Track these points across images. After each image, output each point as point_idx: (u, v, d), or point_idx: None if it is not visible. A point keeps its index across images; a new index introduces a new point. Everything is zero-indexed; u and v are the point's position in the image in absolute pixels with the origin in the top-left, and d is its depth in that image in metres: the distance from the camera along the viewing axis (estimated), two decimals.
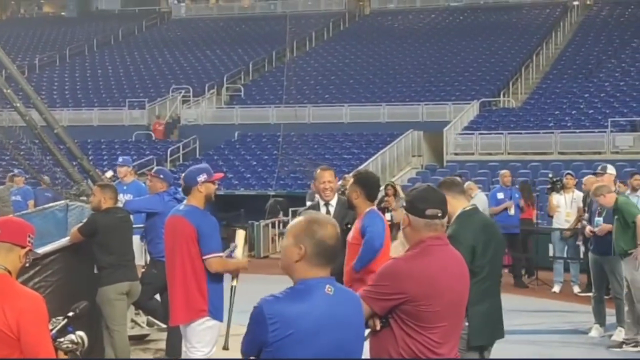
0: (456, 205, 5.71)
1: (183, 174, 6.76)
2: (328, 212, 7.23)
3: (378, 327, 3.99)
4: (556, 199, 14.52)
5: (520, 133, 25.49)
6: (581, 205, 13.72)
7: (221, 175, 6.95)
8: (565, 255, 14.61)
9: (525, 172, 23.02)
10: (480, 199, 14.99)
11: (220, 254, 6.33)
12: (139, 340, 9.60)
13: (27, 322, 3.68)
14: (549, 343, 10.51)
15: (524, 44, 34.85)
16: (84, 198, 10.19)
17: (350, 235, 6.43)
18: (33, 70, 37.99)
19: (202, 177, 6.44)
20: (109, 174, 12.59)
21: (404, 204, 4.23)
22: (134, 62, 38.82)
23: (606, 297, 10.91)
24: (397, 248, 5.21)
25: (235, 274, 6.41)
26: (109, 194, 7.94)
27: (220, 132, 29.19)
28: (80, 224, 8.05)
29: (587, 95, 28.34)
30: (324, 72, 34.57)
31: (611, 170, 11.56)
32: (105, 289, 7.76)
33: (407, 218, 4.13)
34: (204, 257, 6.25)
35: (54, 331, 3.90)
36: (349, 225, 6.67)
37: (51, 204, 11.16)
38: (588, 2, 40.57)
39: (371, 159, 24.44)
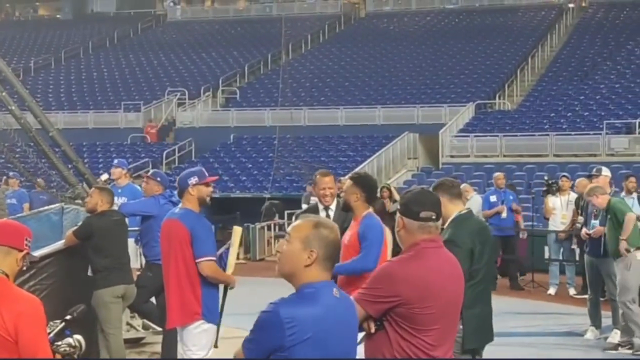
0: (452, 208, 5.72)
1: (178, 177, 6.76)
2: (328, 216, 7.19)
3: (372, 330, 3.99)
4: (552, 201, 14.53)
5: (516, 135, 25.52)
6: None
7: (214, 178, 6.91)
8: (560, 258, 14.62)
9: (520, 175, 23.07)
10: (475, 202, 15.02)
11: (214, 258, 6.32)
12: (135, 343, 9.59)
13: (25, 326, 3.67)
14: (545, 345, 10.52)
15: (520, 46, 34.89)
16: (79, 201, 10.19)
17: (346, 238, 6.40)
18: (28, 72, 37.97)
19: (193, 180, 6.43)
20: (104, 176, 12.56)
21: (399, 207, 4.23)
22: (130, 65, 38.79)
23: (602, 299, 10.92)
24: None
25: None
26: (106, 197, 7.93)
27: (215, 134, 29.19)
28: (76, 227, 8.03)
29: (583, 98, 28.38)
30: (319, 74, 34.59)
31: (606, 172, 11.58)
32: (101, 292, 7.74)
33: (401, 221, 4.13)
34: (196, 261, 6.25)
35: (51, 334, 3.90)
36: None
37: (46, 207, 11.14)
38: (583, 5, 40.65)
39: (367, 162, 24.45)
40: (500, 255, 14.78)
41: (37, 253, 7.25)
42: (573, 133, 25.02)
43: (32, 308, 3.74)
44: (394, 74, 33.46)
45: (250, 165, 26.76)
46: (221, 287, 6.39)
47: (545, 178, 15.94)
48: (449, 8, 41.53)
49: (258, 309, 3.40)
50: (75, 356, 3.95)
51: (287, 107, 28.23)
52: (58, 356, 3.88)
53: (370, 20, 42.08)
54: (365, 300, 3.96)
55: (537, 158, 24.36)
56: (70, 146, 11.77)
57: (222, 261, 6.47)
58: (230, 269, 6.44)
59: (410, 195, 4.21)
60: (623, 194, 12.67)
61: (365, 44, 37.45)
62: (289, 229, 3.54)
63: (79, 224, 8.13)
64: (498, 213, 15.06)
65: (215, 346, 6.28)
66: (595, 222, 10.42)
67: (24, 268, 3.97)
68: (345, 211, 6.57)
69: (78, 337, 3.97)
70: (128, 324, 9.58)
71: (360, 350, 4.05)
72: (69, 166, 11.35)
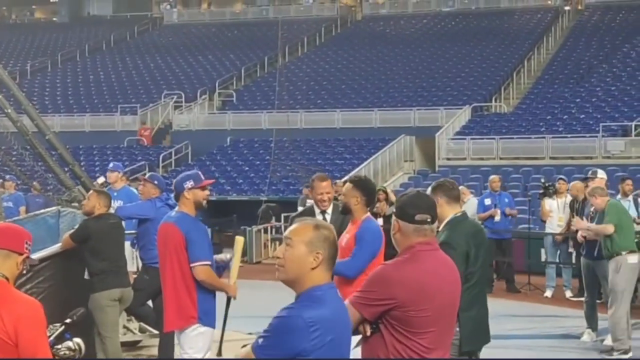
0: (449, 210, 5.73)
1: (174, 181, 6.76)
2: (325, 219, 7.20)
3: (368, 333, 3.99)
4: (548, 203, 14.54)
5: (512, 138, 25.54)
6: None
7: (210, 181, 6.90)
8: (557, 260, 14.64)
9: (517, 177, 23.09)
10: (472, 204, 15.04)
11: (208, 262, 6.30)
12: (131, 346, 9.57)
13: (25, 329, 3.67)
14: (541, 348, 10.53)
15: (516, 49, 34.94)
16: (76, 204, 10.17)
17: (343, 240, 6.40)
18: (25, 76, 37.95)
19: (188, 184, 6.43)
20: (101, 180, 12.56)
21: (394, 210, 4.24)
22: (126, 68, 38.78)
23: (598, 301, 10.93)
24: None
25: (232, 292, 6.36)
26: (103, 201, 7.93)
27: (212, 137, 29.19)
28: (72, 230, 8.03)
29: (579, 100, 28.42)
30: (316, 77, 34.61)
31: (602, 174, 11.59)
32: (97, 295, 7.74)
33: (397, 224, 4.14)
34: (190, 265, 6.24)
35: (51, 338, 3.91)
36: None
37: (43, 210, 11.13)
38: (579, 7, 40.72)
39: (363, 164, 24.46)
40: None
41: (34, 256, 7.26)
42: (569, 136, 25.04)
43: (33, 311, 3.74)
44: (390, 77, 33.49)
45: (247, 168, 26.76)
46: (224, 298, 6.36)
47: (542, 181, 15.95)
48: (445, 11, 41.57)
49: (256, 311, 3.40)
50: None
51: (284, 109, 28.21)
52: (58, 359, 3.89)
53: (366, 23, 42.12)
54: (361, 303, 3.96)
55: (533, 161, 24.39)
56: (66, 149, 11.75)
57: (220, 268, 6.47)
58: (232, 280, 6.42)
59: (405, 198, 4.21)
60: (619, 196, 12.69)
61: (361, 47, 37.48)
62: (288, 234, 3.51)
63: (76, 227, 8.12)
64: (492, 217, 15.07)
65: (219, 355, 6.23)
66: (591, 225, 10.42)
67: (24, 271, 3.97)
68: (345, 214, 6.57)
69: (78, 340, 3.98)
70: (125, 327, 9.57)
71: (357, 354, 4.06)
72: (66, 169, 11.32)
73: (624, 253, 9.62)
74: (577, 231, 11.06)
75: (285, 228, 3.49)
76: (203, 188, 6.51)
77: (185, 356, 6.37)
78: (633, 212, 12.21)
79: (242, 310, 6.20)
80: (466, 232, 5.76)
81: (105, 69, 38.84)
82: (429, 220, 4.10)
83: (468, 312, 5.45)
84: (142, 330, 9.79)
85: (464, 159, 25.21)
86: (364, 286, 4.06)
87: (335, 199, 8.58)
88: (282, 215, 20.95)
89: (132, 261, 9.63)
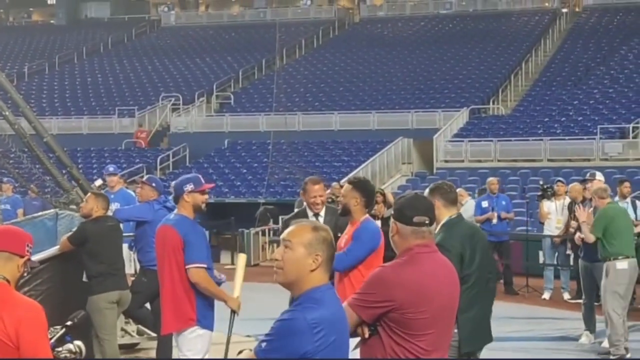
0: (445, 213, 5.73)
1: (173, 183, 6.75)
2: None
3: (367, 335, 3.99)
4: (547, 206, 14.54)
5: (510, 140, 25.56)
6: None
7: (210, 185, 6.89)
8: (555, 262, 14.64)
9: (514, 179, 23.10)
10: (470, 206, 15.04)
11: (204, 265, 6.29)
12: (129, 349, 9.58)
13: (26, 331, 3.67)
14: (539, 350, 10.53)
15: (513, 51, 34.96)
16: (74, 207, 10.16)
17: (342, 241, 6.40)
18: (22, 78, 37.93)
19: (188, 187, 6.43)
20: (98, 182, 12.54)
21: (392, 212, 4.24)
22: (124, 70, 38.78)
23: (596, 303, 10.92)
24: None
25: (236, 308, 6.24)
26: (101, 204, 7.94)
27: (210, 140, 29.19)
28: (70, 233, 8.03)
29: (576, 102, 28.45)
30: (313, 79, 34.62)
31: (599, 177, 11.58)
32: (95, 297, 7.74)
33: (395, 226, 4.14)
34: (186, 267, 6.23)
35: (52, 340, 3.91)
36: (339, 235, 6.61)
37: (41, 213, 11.14)
38: (577, 10, 40.76)
39: (361, 167, 24.46)
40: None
41: (33, 259, 7.26)
42: (567, 138, 25.05)
43: (33, 313, 3.74)
44: (388, 79, 33.50)
45: (244, 171, 26.76)
46: (228, 310, 6.28)
47: (541, 183, 15.96)
48: (443, 13, 41.59)
49: (253, 314, 3.39)
50: None
51: (282, 112, 28.24)
52: None
53: (364, 26, 42.14)
54: (359, 305, 3.96)
55: (531, 163, 24.39)
56: (64, 152, 11.75)
57: (215, 279, 6.45)
58: (236, 294, 6.37)
59: (403, 201, 4.21)
60: (617, 198, 12.69)
61: (359, 49, 37.49)
62: (286, 236, 3.50)
63: (74, 229, 8.12)
64: (489, 220, 15.07)
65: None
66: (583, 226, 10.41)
67: (25, 274, 3.97)
68: (344, 215, 6.56)
69: (78, 342, 3.99)
70: (123, 329, 9.57)
71: (356, 356, 4.05)
72: (63, 172, 11.32)
73: (612, 258, 9.58)
74: (575, 233, 11.06)
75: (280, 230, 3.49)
76: (203, 192, 6.51)
77: (184, 358, 6.36)
78: (631, 213, 12.20)
79: (240, 312, 6.17)
80: (462, 234, 5.76)
81: (103, 71, 38.83)
82: (427, 222, 4.10)
83: (467, 313, 5.45)
84: (140, 333, 9.79)
85: (462, 161, 25.22)
86: (362, 288, 4.05)
87: (333, 200, 8.57)
88: (280, 217, 20.93)
89: (130, 263, 9.62)
